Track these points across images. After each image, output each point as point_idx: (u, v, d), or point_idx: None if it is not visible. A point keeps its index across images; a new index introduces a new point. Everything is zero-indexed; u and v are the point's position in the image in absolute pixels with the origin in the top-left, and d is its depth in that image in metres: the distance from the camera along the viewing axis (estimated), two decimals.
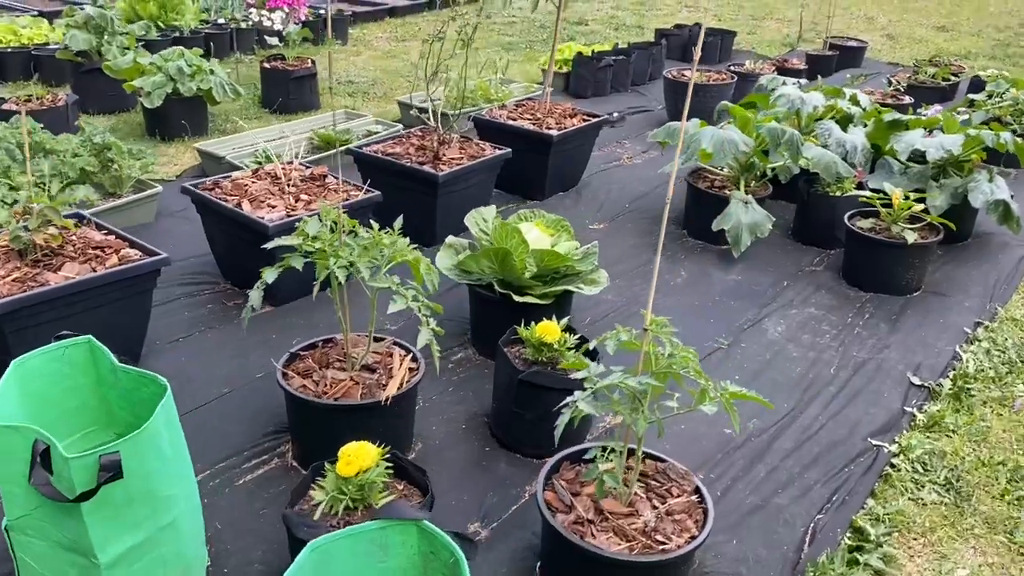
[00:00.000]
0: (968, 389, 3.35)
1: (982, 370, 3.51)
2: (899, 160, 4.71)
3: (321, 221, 2.56)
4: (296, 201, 3.61)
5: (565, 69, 7.37)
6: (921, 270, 4.13)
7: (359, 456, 2.06)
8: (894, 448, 2.98)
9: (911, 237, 3.97)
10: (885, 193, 4.17)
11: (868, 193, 4.19)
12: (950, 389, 3.34)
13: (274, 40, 6.23)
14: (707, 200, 4.46)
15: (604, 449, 2.19)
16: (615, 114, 6.74)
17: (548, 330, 2.76)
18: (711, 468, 2.82)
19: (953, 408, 3.25)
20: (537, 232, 3.32)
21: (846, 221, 4.20)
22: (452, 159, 4.25)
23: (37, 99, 5.42)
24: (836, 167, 4.47)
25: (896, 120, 4.95)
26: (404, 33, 9.52)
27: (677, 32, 8.74)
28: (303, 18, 6.84)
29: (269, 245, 2.59)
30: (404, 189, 4.24)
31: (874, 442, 3.00)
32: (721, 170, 4.71)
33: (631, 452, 2.30)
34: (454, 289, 3.70)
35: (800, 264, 4.38)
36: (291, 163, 4.04)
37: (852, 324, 3.82)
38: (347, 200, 3.65)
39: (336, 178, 3.92)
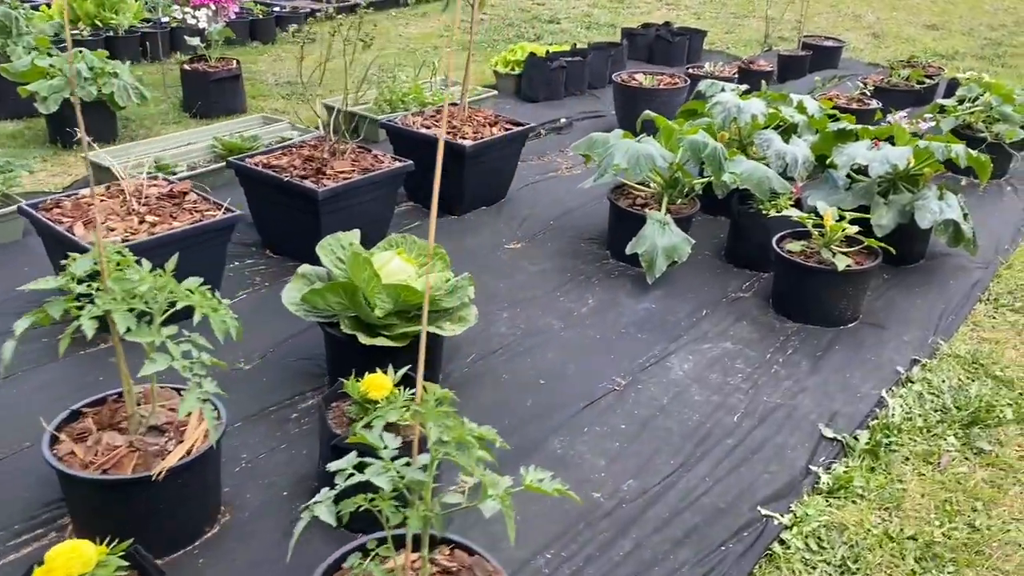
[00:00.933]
0: (888, 443, 2.95)
1: (909, 418, 3.10)
2: (848, 174, 4.29)
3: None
4: (140, 223, 3.24)
5: (518, 71, 6.97)
6: (856, 299, 3.72)
7: (66, 563, 1.68)
8: (787, 519, 2.58)
9: (842, 263, 3.56)
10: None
11: (797, 213, 3.78)
12: (867, 443, 2.94)
13: (195, 40, 5.86)
14: (628, 219, 4.05)
15: (377, 544, 1.80)
16: (562, 120, 6.34)
17: (375, 385, 2.37)
18: (566, 543, 2.43)
19: (867, 467, 2.84)
20: (399, 262, 2.93)
21: (774, 244, 3.79)
22: (340, 173, 3.86)
23: None
24: (769, 183, 4.06)
25: (844, 130, 4.53)
26: (366, 30, 9.12)
27: (643, 32, 8.32)
28: (231, 16, 6.46)
29: (27, 287, 2.21)
30: (285, 206, 3.86)
31: (764, 512, 2.60)
32: (648, 186, 4.31)
33: (433, 541, 1.91)
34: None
35: (726, 290, 3.97)
36: (155, 178, 3.66)
37: (771, 361, 3.42)
38: (198, 222, 3.27)
39: (200, 195, 3.54)
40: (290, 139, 5.18)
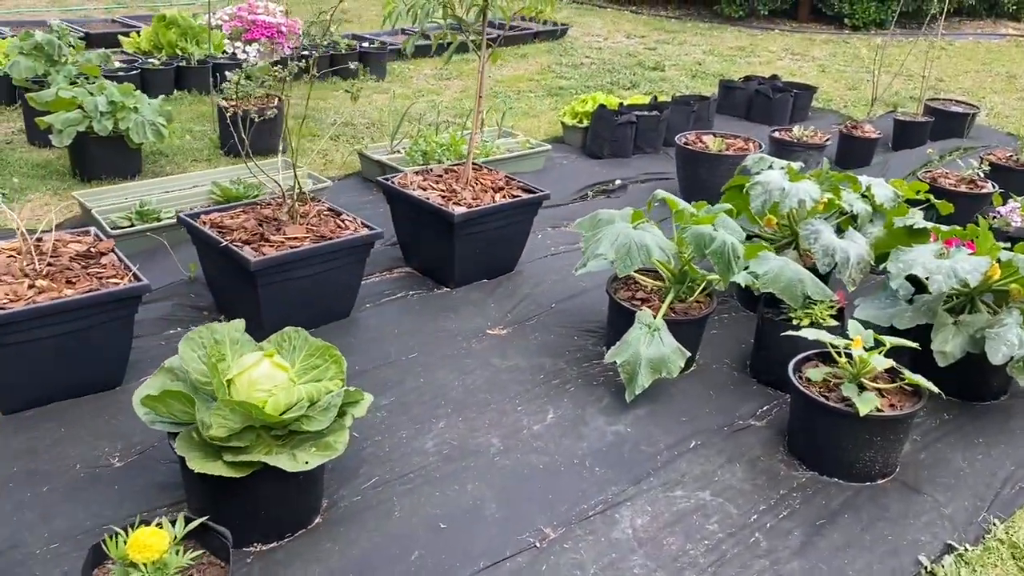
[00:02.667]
0: None
1: None
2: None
3: None
4: (29, 288, 2.89)
5: (585, 123, 6.39)
6: (888, 450, 2.91)
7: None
8: None
9: (866, 406, 2.77)
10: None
11: (815, 332, 3.00)
12: None
13: (238, 75, 5.63)
14: (626, 315, 3.39)
15: None
16: (617, 181, 5.70)
17: (140, 545, 1.86)
18: None
19: None
20: (267, 369, 2.42)
21: (790, 368, 3.04)
22: (290, 239, 3.42)
23: None
24: (803, 286, 3.31)
25: (917, 227, 3.69)
26: (453, 71, 8.80)
27: (743, 85, 7.55)
28: (287, 52, 6.22)
29: None
30: (227, 272, 3.46)
31: None
32: (655, 278, 3.63)
33: None
34: None
35: (734, 414, 3.24)
36: (83, 232, 3.33)
37: (754, 525, 2.68)
38: (92, 291, 2.89)
39: (119, 257, 3.17)
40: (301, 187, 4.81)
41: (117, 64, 6.84)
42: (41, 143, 5.65)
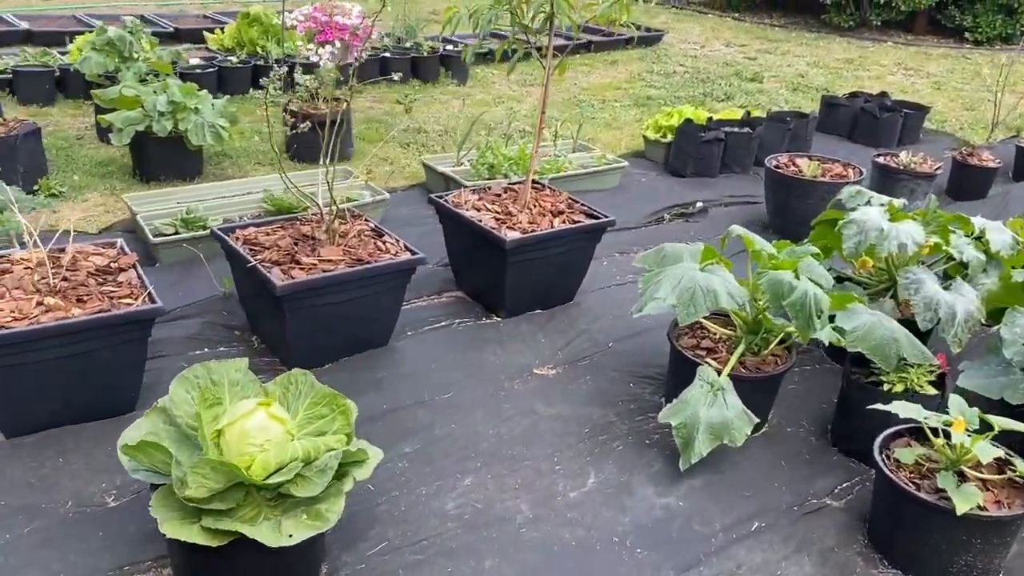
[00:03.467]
0: None
1: None
2: None
3: None
4: (37, 305, 2.69)
5: (669, 138, 5.97)
6: (991, 554, 2.43)
7: None
8: None
9: (966, 503, 2.32)
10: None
11: (908, 410, 2.54)
12: None
13: (302, 78, 5.44)
14: (688, 367, 2.99)
15: None
16: (698, 204, 5.27)
17: None
18: None
19: None
20: (261, 419, 2.14)
21: (876, 445, 2.59)
22: (324, 262, 3.15)
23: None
24: (897, 347, 2.86)
25: None
26: (538, 76, 8.46)
27: (847, 103, 6.97)
28: (358, 56, 6.00)
29: None
30: (258, 295, 3.22)
31: None
32: (725, 323, 3.22)
33: None
34: None
35: (807, 491, 2.80)
36: (108, 243, 3.14)
37: None
38: (101, 312, 2.68)
39: (139, 274, 2.96)
40: (357, 199, 4.58)
41: (195, 61, 6.79)
42: (108, 140, 5.58)
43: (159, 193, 4.54)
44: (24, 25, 8.24)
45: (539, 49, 3.68)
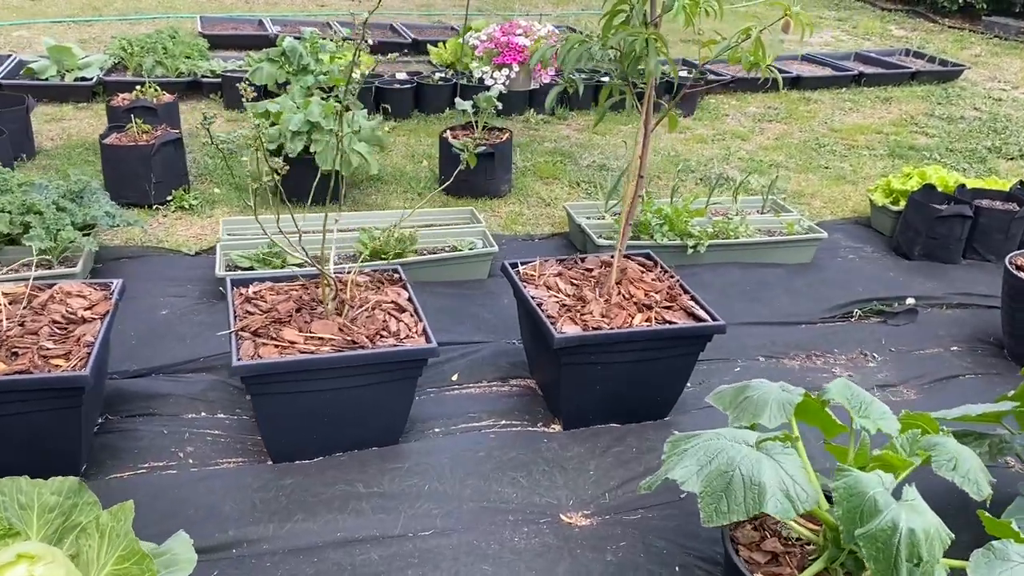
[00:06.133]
0: None
1: None
2: None
3: None
4: None
5: (901, 205, 4.73)
6: None
7: None
8: None
9: None
10: None
11: None
12: None
13: (465, 104, 4.93)
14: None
15: None
16: (910, 300, 4.03)
17: None
18: None
19: None
20: None
21: None
22: (310, 339, 2.59)
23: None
24: None
25: None
26: (784, 111, 7.30)
27: None
28: (544, 81, 5.40)
29: None
30: None
31: None
32: (809, 519, 2.19)
33: None
34: None
35: None
36: (103, 285, 2.82)
37: None
38: (16, 373, 2.33)
39: (102, 327, 2.60)
40: (466, 249, 4.01)
41: (402, 76, 6.58)
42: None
43: (279, 218, 4.27)
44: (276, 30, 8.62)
45: (638, 94, 2.85)
